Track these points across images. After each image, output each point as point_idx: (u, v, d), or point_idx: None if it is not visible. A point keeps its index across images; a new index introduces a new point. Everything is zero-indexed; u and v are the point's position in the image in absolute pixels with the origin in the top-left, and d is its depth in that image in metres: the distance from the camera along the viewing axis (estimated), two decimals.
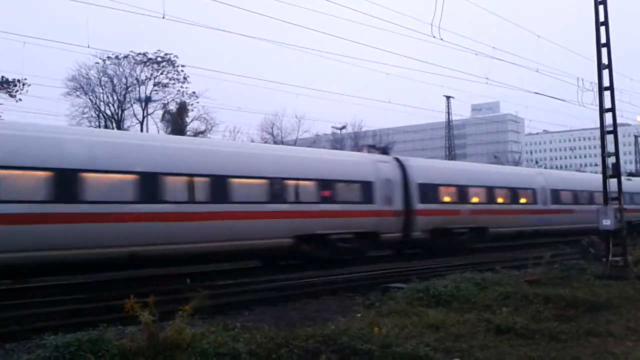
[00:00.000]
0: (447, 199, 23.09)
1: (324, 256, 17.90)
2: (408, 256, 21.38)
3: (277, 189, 17.15)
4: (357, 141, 66.25)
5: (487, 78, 26.49)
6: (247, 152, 18.42)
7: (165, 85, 49.62)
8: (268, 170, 17.10)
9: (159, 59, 48.39)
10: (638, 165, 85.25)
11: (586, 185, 31.56)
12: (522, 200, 26.76)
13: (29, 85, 41.65)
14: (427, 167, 23.81)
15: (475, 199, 24.29)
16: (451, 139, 72.41)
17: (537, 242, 26.09)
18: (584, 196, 30.37)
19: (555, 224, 27.75)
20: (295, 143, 53.69)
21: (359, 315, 9.14)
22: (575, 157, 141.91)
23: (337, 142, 66.48)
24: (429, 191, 21.91)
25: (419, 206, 21.32)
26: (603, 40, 14.86)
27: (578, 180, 33.93)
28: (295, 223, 17.29)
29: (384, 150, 23.20)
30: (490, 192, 24.93)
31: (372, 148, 24.51)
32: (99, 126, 46.81)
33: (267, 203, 16.78)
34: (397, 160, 22.00)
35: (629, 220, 29.72)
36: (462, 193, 23.51)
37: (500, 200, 25.50)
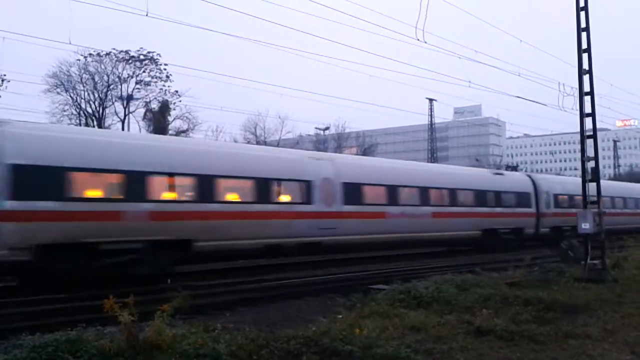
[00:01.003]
0: (92, 193, 14.17)
1: None
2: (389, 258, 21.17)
3: None
4: (340, 142, 66.56)
5: (469, 81, 26.49)
6: None
7: (148, 84, 49.22)
8: None
9: (141, 56, 47.98)
10: (616, 170, 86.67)
11: (414, 178, 22.62)
12: (283, 198, 18.04)
13: (9, 81, 41.05)
14: (44, 137, 13.69)
15: (168, 195, 15.33)
16: (434, 142, 72.85)
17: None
18: (410, 194, 21.73)
19: (352, 233, 19.07)
20: (278, 144, 53.60)
21: (340, 316, 9.14)
22: (555, 161, 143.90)
23: (320, 142, 66.65)
24: (41, 179, 12.90)
25: (8, 204, 12.36)
26: (584, 46, 15.11)
27: (400, 171, 23.44)
28: None
29: None
30: (203, 183, 15.64)
31: None
32: (80, 124, 46.26)
33: None
34: None
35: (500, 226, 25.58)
36: (132, 184, 14.30)
37: (230, 196, 16.75)
